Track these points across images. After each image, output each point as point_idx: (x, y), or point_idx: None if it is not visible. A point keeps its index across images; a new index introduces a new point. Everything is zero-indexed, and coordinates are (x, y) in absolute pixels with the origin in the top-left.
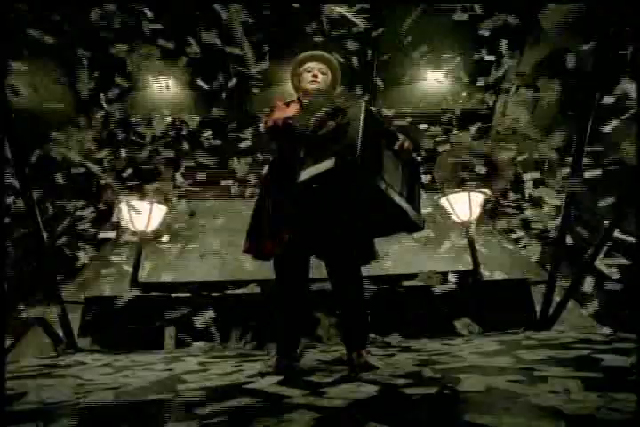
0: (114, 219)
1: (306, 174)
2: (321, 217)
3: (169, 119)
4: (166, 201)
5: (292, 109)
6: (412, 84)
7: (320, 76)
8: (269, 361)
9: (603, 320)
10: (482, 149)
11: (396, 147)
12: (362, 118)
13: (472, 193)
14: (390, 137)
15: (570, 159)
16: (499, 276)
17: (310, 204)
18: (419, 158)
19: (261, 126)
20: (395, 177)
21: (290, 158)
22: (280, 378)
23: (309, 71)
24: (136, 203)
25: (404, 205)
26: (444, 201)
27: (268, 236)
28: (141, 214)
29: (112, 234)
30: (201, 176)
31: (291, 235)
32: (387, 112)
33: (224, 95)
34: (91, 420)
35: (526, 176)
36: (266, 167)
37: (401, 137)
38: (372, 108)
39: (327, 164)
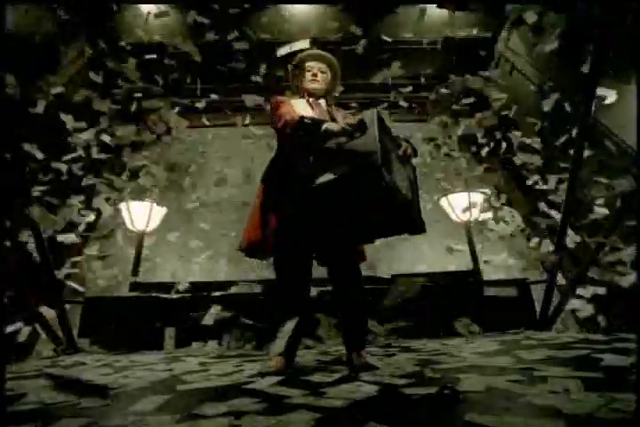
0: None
1: (324, 178)
2: (325, 218)
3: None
4: (169, 129)
5: (299, 108)
6: (414, 10)
7: (320, 75)
8: (269, 361)
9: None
10: (476, 84)
11: (400, 152)
12: (376, 124)
13: (472, 193)
14: (394, 142)
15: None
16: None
17: (317, 205)
18: None
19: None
20: (402, 180)
21: (293, 158)
22: (280, 378)
23: (309, 70)
24: (136, 203)
25: (411, 207)
26: (443, 201)
27: (270, 236)
28: (141, 214)
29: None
30: (200, 104)
31: (298, 238)
32: (387, 39)
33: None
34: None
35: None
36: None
37: (404, 143)
38: (382, 111)
39: (345, 168)
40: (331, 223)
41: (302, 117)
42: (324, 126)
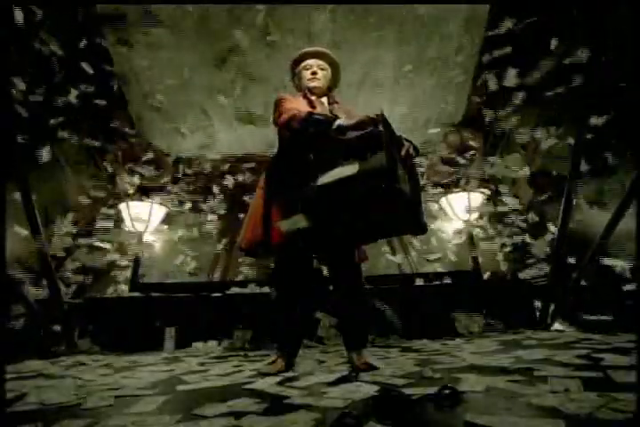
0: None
1: (327, 178)
2: (326, 218)
3: None
4: None
5: (302, 106)
6: None
7: (319, 72)
8: (269, 361)
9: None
10: None
11: (403, 152)
12: (385, 127)
13: (471, 193)
14: (397, 143)
15: None
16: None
17: (318, 204)
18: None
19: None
20: (405, 181)
21: (297, 156)
22: (280, 378)
23: (308, 69)
24: (136, 203)
25: (414, 208)
26: (443, 201)
27: (273, 235)
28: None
29: None
30: None
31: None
32: None
33: None
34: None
35: None
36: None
37: (406, 143)
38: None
39: (350, 169)
40: (332, 223)
41: (311, 113)
42: (337, 122)
